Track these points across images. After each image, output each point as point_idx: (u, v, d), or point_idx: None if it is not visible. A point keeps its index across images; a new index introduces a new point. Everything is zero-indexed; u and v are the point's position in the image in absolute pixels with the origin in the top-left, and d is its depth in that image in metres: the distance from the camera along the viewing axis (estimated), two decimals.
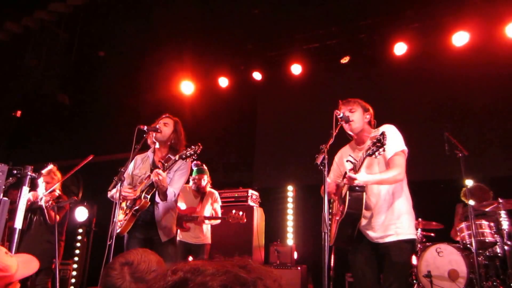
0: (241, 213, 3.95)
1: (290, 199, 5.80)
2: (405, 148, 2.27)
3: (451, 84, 4.88)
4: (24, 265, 1.32)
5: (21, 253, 1.42)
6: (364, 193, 2.20)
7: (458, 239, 3.87)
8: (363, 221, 2.25)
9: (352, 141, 2.52)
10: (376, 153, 1.98)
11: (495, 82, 4.68)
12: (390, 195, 2.25)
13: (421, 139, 4.81)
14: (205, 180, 4.02)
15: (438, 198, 4.57)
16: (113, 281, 1.18)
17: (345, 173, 2.28)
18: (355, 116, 2.36)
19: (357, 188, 2.16)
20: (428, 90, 5.01)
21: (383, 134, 1.98)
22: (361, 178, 2.09)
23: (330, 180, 2.49)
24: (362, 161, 2.13)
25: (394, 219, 2.20)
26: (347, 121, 2.33)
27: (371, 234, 2.25)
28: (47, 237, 3.51)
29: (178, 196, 2.90)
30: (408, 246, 2.20)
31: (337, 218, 2.32)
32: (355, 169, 2.18)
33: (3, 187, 2.11)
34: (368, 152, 2.02)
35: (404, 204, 2.25)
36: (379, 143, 1.96)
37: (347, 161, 2.32)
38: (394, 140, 2.24)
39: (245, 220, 3.97)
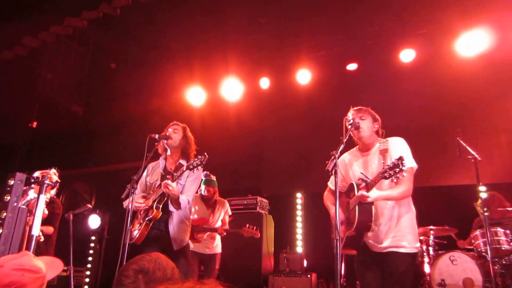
0: (255, 228, 3.95)
1: (299, 207, 5.78)
2: (414, 165, 2.31)
3: (460, 89, 4.83)
4: (51, 265, 1.37)
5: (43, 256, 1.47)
6: (373, 207, 2.28)
7: (471, 247, 3.79)
8: (369, 233, 2.31)
9: (355, 148, 2.56)
10: (393, 177, 2.04)
11: (506, 86, 4.62)
12: (396, 209, 2.31)
13: (432, 145, 4.76)
14: (213, 190, 4.04)
15: (452, 204, 4.50)
16: None
17: (351, 184, 2.38)
18: (364, 124, 2.41)
19: (366, 203, 2.25)
20: (437, 96, 4.96)
21: (401, 159, 2.02)
22: (373, 195, 2.19)
23: (330, 182, 2.57)
24: (376, 181, 2.20)
25: (397, 232, 2.27)
26: (357, 127, 2.38)
27: (374, 244, 2.32)
28: None
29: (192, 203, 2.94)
30: (408, 259, 2.24)
31: (343, 226, 2.39)
32: (368, 188, 2.23)
33: (22, 195, 2.18)
34: (385, 175, 2.09)
35: (408, 218, 2.32)
36: (397, 167, 2.01)
37: (358, 179, 2.36)
38: (404, 156, 2.24)
39: (259, 235, 3.97)
